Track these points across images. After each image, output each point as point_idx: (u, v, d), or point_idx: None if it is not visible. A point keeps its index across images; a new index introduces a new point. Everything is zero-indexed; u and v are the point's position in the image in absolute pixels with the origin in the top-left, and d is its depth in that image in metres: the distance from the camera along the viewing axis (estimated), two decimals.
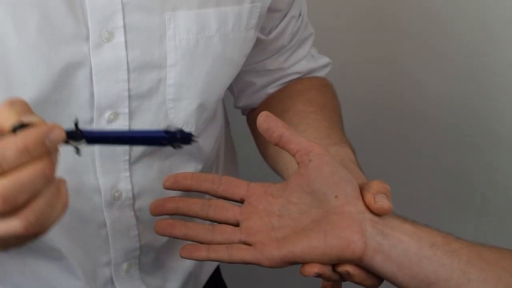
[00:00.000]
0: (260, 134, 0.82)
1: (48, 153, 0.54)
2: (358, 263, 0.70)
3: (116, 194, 0.85)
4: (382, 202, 0.71)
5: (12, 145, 0.53)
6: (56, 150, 0.55)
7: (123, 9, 0.77)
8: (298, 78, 1.03)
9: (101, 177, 0.83)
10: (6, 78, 0.75)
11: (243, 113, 1.08)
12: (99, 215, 0.86)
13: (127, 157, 0.83)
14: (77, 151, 0.58)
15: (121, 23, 0.77)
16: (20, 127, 0.54)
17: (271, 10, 0.92)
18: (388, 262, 0.69)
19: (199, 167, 0.94)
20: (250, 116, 1.07)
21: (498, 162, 1.38)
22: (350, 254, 0.69)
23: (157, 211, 0.75)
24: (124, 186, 0.85)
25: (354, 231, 0.69)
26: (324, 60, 1.05)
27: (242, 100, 1.03)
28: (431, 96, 1.41)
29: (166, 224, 0.74)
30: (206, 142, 0.93)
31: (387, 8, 1.39)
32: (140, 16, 0.78)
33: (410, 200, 1.48)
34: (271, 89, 1.02)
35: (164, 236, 0.75)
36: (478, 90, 1.36)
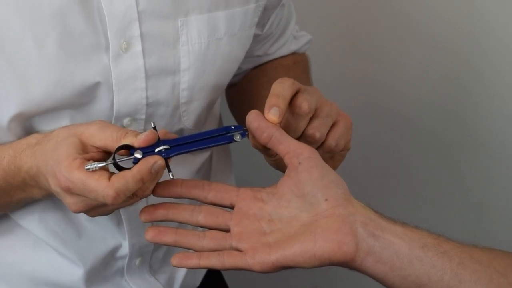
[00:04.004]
0: (235, 104, 0.91)
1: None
2: (350, 265, 0.70)
3: None
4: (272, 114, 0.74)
5: (132, 179, 0.68)
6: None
7: (139, 18, 0.78)
8: None
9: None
10: (27, 91, 0.76)
11: None
12: (116, 212, 0.87)
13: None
14: (171, 174, 0.72)
15: (137, 32, 0.79)
16: (121, 148, 0.70)
17: (271, 6, 0.95)
18: (379, 263, 0.69)
19: (206, 155, 0.97)
20: (230, 90, 1.09)
21: (497, 162, 1.39)
22: (342, 256, 0.69)
23: (147, 218, 0.75)
24: None
25: (345, 233, 0.69)
26: (305, 38, 1.08)
27: None
28: (421, 103, 1.42)
29: (156, 231, 0.74)
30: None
31: (367, 23, 1.40)
32: (155, 23, 0.80)
33: (410, 200, 1.49)
34: (251, 69, 1.05)
35: (155, 243, 0.75)
36: (463, 94, 1.37)
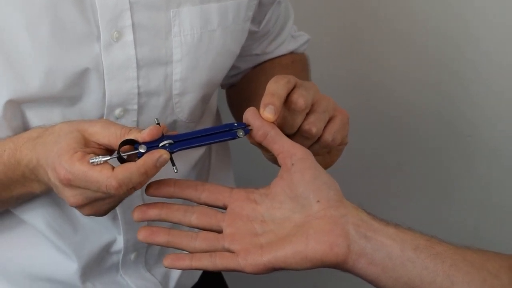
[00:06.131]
0: (235, 103, 0.93)
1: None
2: (342, 266, 0.70)
3: None
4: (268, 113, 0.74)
5: (136, 171, 0.68)
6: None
7: (130, 8, 0.79)
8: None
9: None
10: (20, 80, 0.77)
11: (222, 87, 1.11)
12: None
13: None
14: (175, 168, 0.72)
15: (129, 22, 0.79)
16: (125, 143, 0.70)
17: (267, 2, 0.95)
18: (371, 265, 0.69)
19: (201, 151, 0.97)
20: (230, 91, 1.09)
21: (499, 160, 1.39)
22: (334, 257, 0.69)
23: (140, 217, 0.75)
24: None
25: (337, 235, 0.69)
26: (303, 38, 1.08)
27: (224, 80, 1.05)
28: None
29: (149, 232, 0.74)
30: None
31: (360, 24, 1.41)
32: (147, 14, 0.80)
33: (410, 199, 1.49)
34: (250, 69, 1.05)
35: (147, 243, 0.75)
36: (446, 95, 1.39)
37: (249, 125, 0.75)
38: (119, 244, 0.92)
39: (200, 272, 1.06)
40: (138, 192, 0.88)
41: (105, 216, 0.88)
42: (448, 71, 1.39)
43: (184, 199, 0.76)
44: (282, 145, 0.74)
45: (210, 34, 0.85)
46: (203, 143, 0.75)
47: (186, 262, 0.72)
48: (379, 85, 1.44)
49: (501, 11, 1.31)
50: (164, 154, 0.70)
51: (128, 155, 0.70)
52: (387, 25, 1.39)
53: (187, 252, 0.74)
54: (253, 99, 0.98)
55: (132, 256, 0.94)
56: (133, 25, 0.80)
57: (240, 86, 1.06)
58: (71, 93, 0.80)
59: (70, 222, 0.89)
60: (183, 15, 0.83)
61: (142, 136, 0.70)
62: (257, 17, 0.96)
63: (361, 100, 1.44)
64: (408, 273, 0.69)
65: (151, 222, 0.77)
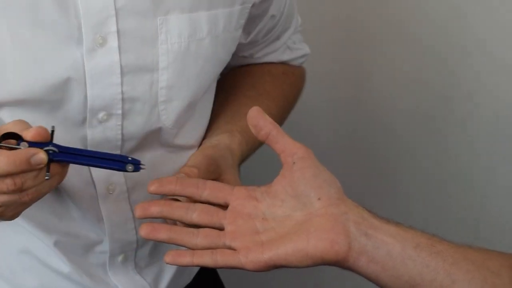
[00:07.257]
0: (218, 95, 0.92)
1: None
2: (343, 264, 0.70)
3: (111, 187, 0.86)
4: None
5: (6, 158, 0.66)
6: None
7: (116, 14, 0.78)
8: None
9: (93, 170, 0.84)
10: (3, 83, 0.76)
11: None
12: (96, 208, 0.87)
13: (118, 151, 0.84)
14: (48, 175, 0.70)
15: (114, 28, 0.78)
16: (10, 136, 0.68)
17: (256, 15, 0.93)
18: (372, 263, 0.69)
19: (195, 149, 0.95)
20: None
21: (499, 162, 1.39)
22: (334, 255, 0.69)
23: (141, 215, 0.75)
24: (117, 179, 0.86)
25: (337, 233, 0.69)
26: (300, 52, 1.06)
27: None
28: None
29: (150, 228, 0.74)
30: (193, 133, 0.94)
31: (358, 16, 1.41)
32: (133, 21, 0.79)
33: (410, 199, 1.49)
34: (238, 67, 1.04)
35: (149, 240, 0.75)
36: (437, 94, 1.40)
37: (142, 164, 0.74)
38: (105, 245, 0.91)
39: (194, 272, 1.06)
40: (125, 195, 0.88)
41: (89, 217, 0.87)
42: (448, 70, 1.39)
43: (186, 196, 0.76)
44: (283, 144, 0.74)
45: (199, 42, 0.84)
46: (87, 163, 0.73)
47: (187, 258, 0.72)
48: (379, 83, 1.44)
49: (502, 11, 1.31)
50: (41, 154, 0.68)
51: (7, 147, 0.68)
52: (386, 20, 1.40)
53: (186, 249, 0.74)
54: (234, 98, 0.98)
55: (120, 258, 0.93)
56: (118, 31, 0.78)
57: (224, 79, 1.04)
58: (52, 96, 0.78)
59: (55, 216, 0.88)
60: (170, 23, 0.81)
61: (26, 133, 0.69)
62: (247, 29, 0.94)
63: (363, 100, 1.45)
64: (409, 271, 0.69)
65: (144, 220, 0.76)
